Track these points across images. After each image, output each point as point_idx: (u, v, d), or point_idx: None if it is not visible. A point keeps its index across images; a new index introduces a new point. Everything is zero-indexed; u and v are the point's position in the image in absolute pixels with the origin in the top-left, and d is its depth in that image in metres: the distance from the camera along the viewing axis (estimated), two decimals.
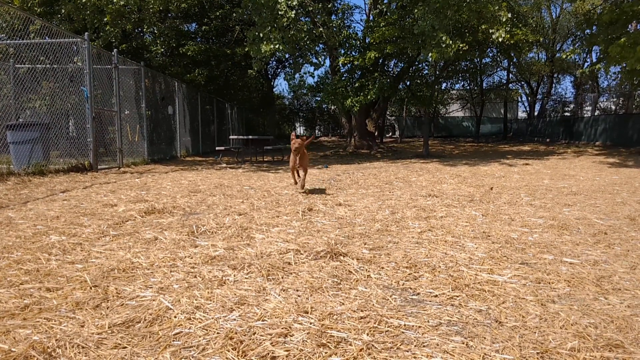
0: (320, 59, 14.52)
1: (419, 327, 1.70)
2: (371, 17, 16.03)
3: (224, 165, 10.67)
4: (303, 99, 35.11)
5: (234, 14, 16.11)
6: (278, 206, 4.36)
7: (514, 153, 14.91)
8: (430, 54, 10.88)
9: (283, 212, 4.00)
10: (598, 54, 13.60)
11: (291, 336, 1.63)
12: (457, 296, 2.01)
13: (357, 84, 14.15)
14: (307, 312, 1.83)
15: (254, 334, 1.63)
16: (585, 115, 23.65)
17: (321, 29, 13.32)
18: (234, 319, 1.76)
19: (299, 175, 5.46)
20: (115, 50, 9.60)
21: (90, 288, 2.09)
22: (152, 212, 3.95)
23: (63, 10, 11.87)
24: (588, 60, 25.23)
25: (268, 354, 1.50)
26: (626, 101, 24.23)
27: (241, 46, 16.79)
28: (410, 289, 2.12)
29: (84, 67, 8.11)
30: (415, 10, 11.25)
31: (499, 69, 28.18)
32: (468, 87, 28.41)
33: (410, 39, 12.24)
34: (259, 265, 2.43)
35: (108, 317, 1.78)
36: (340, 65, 14.70)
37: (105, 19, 11.25)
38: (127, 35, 14.97)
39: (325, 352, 1.51)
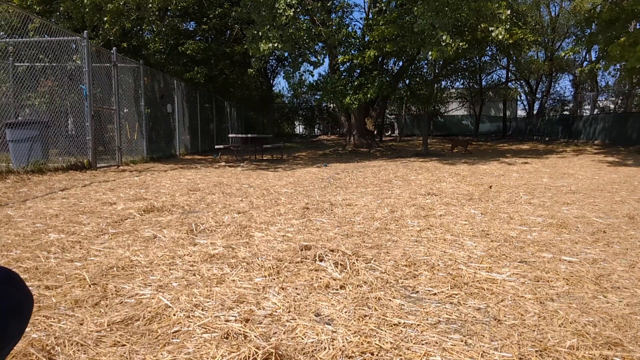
0: (319, 57, 14.49)
1: (418, 325, 1.70)
2: (370, 16, 16.01)
3: (223, 163, 10.66)
4: (302, 97, 35.12)
5: (233, 13, 16.07)
6: (277, 205, 4.36)
7: (513, 152, 14.91)
8: (430, 53, 10.86)
9: (282, 211, 4.00)
10: (597, 52, 13.59)
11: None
12: (456, 294, 2.02)
13: (356, 83, 14.13)
14: (306, 311, 1.83)
15: (252, 332, 1.63)
16: (585, 114, 23.62)
17: (320, 28, 13.29)
18: (233, 317, 1.76)
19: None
20: (114, 48, 9.57)
21: (89, 286, 2.09)
22: (151, 211, 3.94)
23: (62, 8, 11.83)
24: (587, 59, 25.24)
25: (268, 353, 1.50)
26: (625, 100, 24.21)
27: (240, 45, 16.75)
28: (409, 287, 2.12)
29: (83, 65, 8.09)
30: (415, 9, 11.22)
31: (498, 68, 28.21)
32: (467, 86, 28.44)
33: (409, 38, 12.23)
34: (258, 263, 2.43)
35: (107, 315, 1.78)
36: (340, 64, 14.67)
37: (106, 19, 11.21)
38: (126, 34, 14.93)
39: None
